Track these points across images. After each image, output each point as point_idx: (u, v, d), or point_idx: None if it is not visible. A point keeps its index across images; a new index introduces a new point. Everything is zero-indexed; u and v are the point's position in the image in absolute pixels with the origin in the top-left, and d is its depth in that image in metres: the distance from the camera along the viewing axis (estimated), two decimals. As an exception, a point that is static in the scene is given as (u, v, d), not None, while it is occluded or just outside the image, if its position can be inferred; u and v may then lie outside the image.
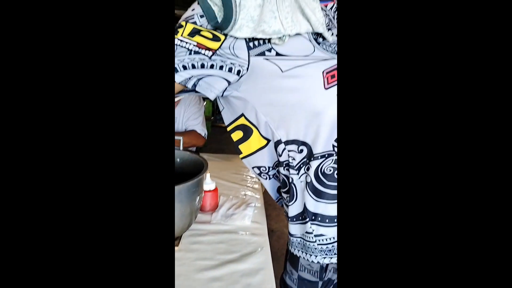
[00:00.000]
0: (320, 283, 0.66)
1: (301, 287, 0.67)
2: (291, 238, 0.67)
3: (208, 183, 0.97)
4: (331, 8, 0.60)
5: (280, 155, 0.62)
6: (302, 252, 0.65)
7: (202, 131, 1.50)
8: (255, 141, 0.64)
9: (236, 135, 0.67)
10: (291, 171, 0.61)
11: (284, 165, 0.63)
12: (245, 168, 1.40)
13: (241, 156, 0.70)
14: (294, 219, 0.65)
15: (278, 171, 0.66)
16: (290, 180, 0.62)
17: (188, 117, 1.48)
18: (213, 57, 0.52)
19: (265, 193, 1.35)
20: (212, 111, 4.39)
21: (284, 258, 0.75)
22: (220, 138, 4.33)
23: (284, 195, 0.68)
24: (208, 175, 0.97)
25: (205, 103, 1.69)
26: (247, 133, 0.64)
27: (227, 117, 0.66)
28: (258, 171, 0.70)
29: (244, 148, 0.67)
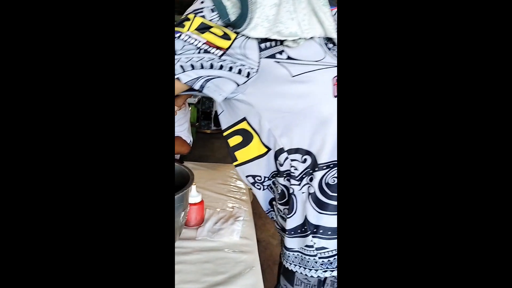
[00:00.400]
0: None
1: None
2: (287, 252, 0.63)
3: (194, 196, 0.90)
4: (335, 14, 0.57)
5: (282, 165, 0.58)
6: (300, 266, 0.62)
7: (188, 138, 1.43)
8: (254, 148, 0.60)
9: (234, 140, 0.62)
10: (292, 181, 0.57)
11: (284, 175, 0.59)
12: (232, 178, 1.34)
13: (235, 163, 0.65)
14: (292, 232, 0.61)
15: (275, 182, 0.62)
16: (291, 191, 0.58)
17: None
18: (222, 57, 0.48)
19: (253, 203, 1.29)
20: (197, 117, 4.32)
21: (278, 272, 0.71)
22: (205, 145, 4.24)
23: (281, 207, 0.63)
24: (193, 187, 0.90)
25: (190, 108, 1.61)
26: (247, 139, 0.60)
27: (226, 120, 0.62)
28: (252, 180, 0.66)
29: (241, 155, 0.63)
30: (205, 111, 4.92)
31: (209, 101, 4.90)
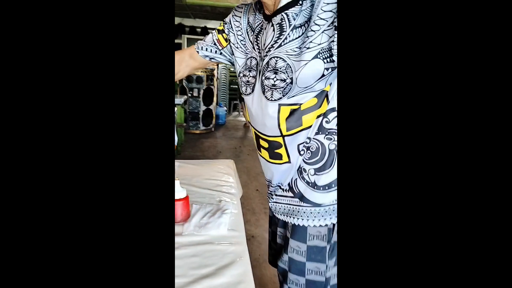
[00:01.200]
0: (328, 246, 0.72)
1: (311, 255, 0.73)
2: (304, 207, 0.72)
3: (178, 191, 0.88)
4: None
5: (329, 122, 0.66)
6: (313, 219, 0.72)
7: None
8: (322, 110, 0.67)
9: (309, 103, 0.66)
10: (334, 138, 0.67)
11: (327, 133, 0.67)
12: (219, 173, 1.32)
13: (293, 131, 0.69)
14: (327, 187, 0.69)
15: (310, 139, 0.69)
16: (333, 147, 0.67)
17: None
18: (223, 50, 0.86)
19: (243, 198, 1.26)
20: (185, 118, 4.28)
21: (283, 245, 0.79)
22: (194, 145, 4.20)
23: (314, 166, 0.70)
24: (177, 182, 0.88)
25: (176, 109, 1.57)
26: (321, 99, 0.66)
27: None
28: (297, 148, 0.72)
29: (308, 118, 0.68)
30: (192, 111, 4.87)
31: (196, 101, 4.85)
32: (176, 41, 6.44)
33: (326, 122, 0.67)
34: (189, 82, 4.78)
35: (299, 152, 0.71)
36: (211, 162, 1.47)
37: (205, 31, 6.35)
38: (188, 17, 6.31)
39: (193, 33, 6.40)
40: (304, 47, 0.62)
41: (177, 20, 6.46)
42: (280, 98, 0.66)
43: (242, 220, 0.94)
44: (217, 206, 0.99)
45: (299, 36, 0.63)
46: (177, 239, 0.81)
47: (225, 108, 6.38)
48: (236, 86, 8.11)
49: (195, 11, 5.60)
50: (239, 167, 3.04)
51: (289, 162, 0.73)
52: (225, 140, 4.62)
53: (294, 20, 0.64)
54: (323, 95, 0.65)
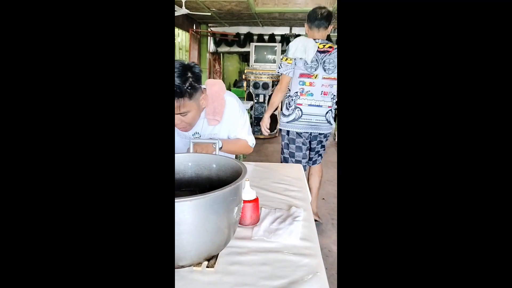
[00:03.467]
0: None
1: None
2: None
3: (248, 192, 0.84)
4: None
5: None
6: None
7: (250, 140, 1.30)
8: None
9: None
10: None
11: None
12: (288, 178, 1.25)
13: None
14: None
15: None
16: None
17: (233, 126, 1.27)
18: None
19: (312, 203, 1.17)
20: (251, 123, 4.33)
21: None
22: (258, 150, 4.23)
23: None
24: (247, 183, 0.84)
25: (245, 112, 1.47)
26: None
27: None
28: None
29: None
30: (258, 116, 4.94)
31: (261, 107, 4.91)
32: (245, 49, 6.68)
33: None
34: (255, 88, 4.87)
35: None
36: (280, 166, 1.41)
37: (272, 38, 6.43)
38: (257, 25, 6.48)
39: (260, 41, 6.54)
40: None
41: (246, 29, 6.70)
42: None
43: (315, 229, 0.84)
44: (287, 212, 0.92)
45: None
46: (246, 244, 0.76)
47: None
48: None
49: (264, 19, 5.72)
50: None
51: None
52: (289, 146, 4.53)
53: None
54: None
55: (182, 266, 0.63)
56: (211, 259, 0.69)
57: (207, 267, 0.66)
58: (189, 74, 0.97)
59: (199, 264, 0.66)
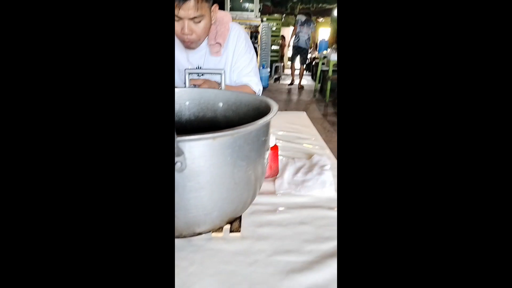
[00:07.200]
0: None
1: None
2: None
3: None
4: None
5: None
6: None
7: (255, 83, 1.04)
8: None
9: None
10: None
11: None
12: (295, 125, 1.08)
13: None
14: None
15: None
16: None
17: (238, 61, 1.01)
18: None
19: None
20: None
21: None
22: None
23: None
24: (265, 125, 0.65)
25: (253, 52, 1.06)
26: None
27: None
28: None
29: None
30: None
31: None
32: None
33: None
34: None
35: None
36: (281, 113, 1.23)
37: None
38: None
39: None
40: None
41: None
42: None
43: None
44: (309, 161, 0.76)
45: None
46: (271, 199, 0.60)
47: (268, 69, 6.00)
48: (278, 48, 7.59)
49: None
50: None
51: None
52: (270, 103, 4.35)
53: None
54: None
55: (199, 233, 0.46)
56: (234, 221, 0.52)
57: (230, 231, 0.49)
58: None
59: (219, 229, 0.49)
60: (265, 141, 0.47)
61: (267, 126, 0.47)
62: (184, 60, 0.98)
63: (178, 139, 0.34)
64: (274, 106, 0.52)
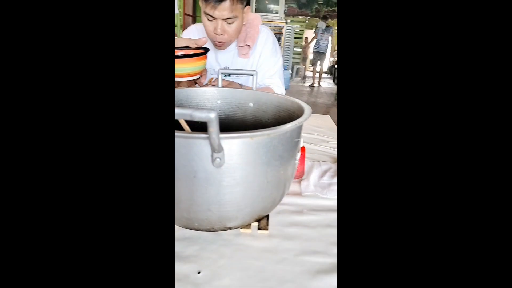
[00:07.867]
0: None
1: None
2: None
3: (296, 138, 0.66)
4: None
5: None
6: None
7: (279, 87, 1.02)
8: None
9: None
10: None
11: None
12: (319, 128, 1.08)
13: None
14: None
15: None
16: None
17: (263, 62, 1.01)
18: None
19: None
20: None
21: None
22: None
23: None
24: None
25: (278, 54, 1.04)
26: None
27: None
28: None
29: None
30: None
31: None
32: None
33: None
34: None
35: None
36: (320, 116, 1.23)
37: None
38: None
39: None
40: None
41: None
42: None
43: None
44: (335, 165, 0.76)
45: None
46: (297, 200, 0.60)
47: (290, 71, 6.00)
48: (300, 50, 7.55)
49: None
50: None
51: None
52: (290, 105, 4.34)
53: None
54: None
55: (230, 228, 0.47)
56: (262, 219, 0.53)
57: (258, 229, 0.51)
58: None
59: (248, 225, 0.51)
60: (297, 142, 0.48)
61: (300, 127, 0.48)
62: (213, 59, 1.00)
63: (220, 136, 0.36)
64: (307, 108, 0.52)
